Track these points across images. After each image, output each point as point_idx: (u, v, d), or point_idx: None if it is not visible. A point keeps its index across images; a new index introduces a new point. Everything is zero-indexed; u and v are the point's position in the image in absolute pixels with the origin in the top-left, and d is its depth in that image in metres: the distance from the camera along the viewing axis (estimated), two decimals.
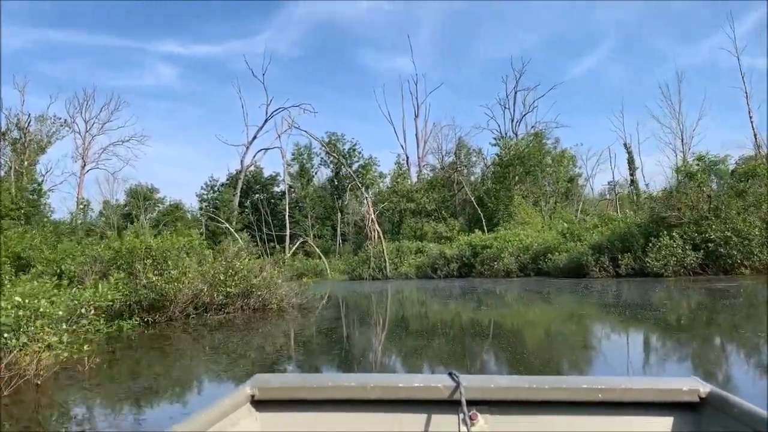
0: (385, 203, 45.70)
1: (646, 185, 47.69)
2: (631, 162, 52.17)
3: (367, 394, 2.14)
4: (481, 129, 49.60)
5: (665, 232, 20.80)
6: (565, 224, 29.55)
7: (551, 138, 44.99)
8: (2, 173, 55.18)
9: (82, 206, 56.56)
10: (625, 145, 51.69)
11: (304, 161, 56.07)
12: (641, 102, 75.85)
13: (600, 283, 20.84)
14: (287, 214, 49.94)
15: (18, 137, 58.26)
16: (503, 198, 41.96)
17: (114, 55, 72.56)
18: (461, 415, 2.01)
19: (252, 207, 56.29)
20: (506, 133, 47.37)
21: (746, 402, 1.91)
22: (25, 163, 57.50)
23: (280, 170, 63.95)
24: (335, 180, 56.15)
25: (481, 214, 39.27)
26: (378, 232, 33.30)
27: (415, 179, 50.08)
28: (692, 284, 18.41)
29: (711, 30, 69.83)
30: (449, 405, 2.11)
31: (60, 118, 60.20)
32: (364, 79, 79.83)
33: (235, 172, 55.57)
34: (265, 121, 52.29)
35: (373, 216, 33.90)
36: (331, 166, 56.22)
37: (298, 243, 45.39)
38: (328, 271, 39.61)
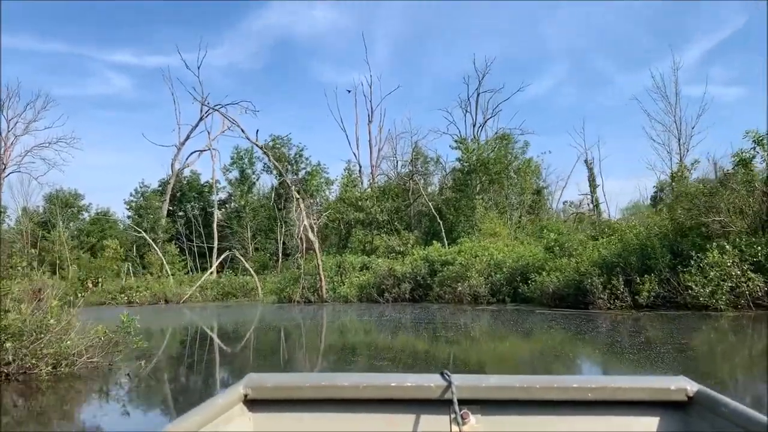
0: (329, 211, 37.91)
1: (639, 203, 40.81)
2: (592, 179, 45.98)
3: (359, 393, 2.04)
4: (440, 134, 42.24)
5: (712, 245, 13.52)
6: (553, 235, 21.98)
7: (519, 141, 37.74)
8: None
9: None
10: (586, 161, 45.32)
11: (245, 166, 47.86)
12: (602, 120, 69.98)
13: (611, 319, 13.43)
14: (215, 224, 41.77)
15: None
16: (464, 209, 34.57)
17: (63, 63, 63.64)
18: (453, 415, 1.93)
19: (186, 216, 47.89)
20: (468, 138, 40.10)
21: (734, 401, 1.81)
22: None
23: (217, 176, 55.97)
24: (280, 188, 48.07)
25: (441, 225, 31.70)
26: (313, 243, 25.38)
27: (367, 188, 42.37)
28: None
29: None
30: (441, 404, 2.01)
31: None
32: (319, 90, 72.40)
33: (166, 177, 47.08)
34: (200, 119, 44.06)
35: (306, 222, 25.99)
36: (275, 172, 48.15)
37: (223, 257, 37.19)
38: (260, 291, 31.56)
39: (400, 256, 28.44)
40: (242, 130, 27.95)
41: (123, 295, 33.03)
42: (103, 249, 42.87)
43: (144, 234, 38.46)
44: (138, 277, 39.09)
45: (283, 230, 44.40)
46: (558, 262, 17.95)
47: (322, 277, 24.56)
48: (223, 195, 50.72)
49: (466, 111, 43.00)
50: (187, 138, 45.15)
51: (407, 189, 39.29)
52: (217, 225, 47.06)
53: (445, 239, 28.57)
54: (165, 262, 36.77)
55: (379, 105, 47.03)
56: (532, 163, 38.67)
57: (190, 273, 40.77)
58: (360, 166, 45.38)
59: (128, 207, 48.49)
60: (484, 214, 32.04)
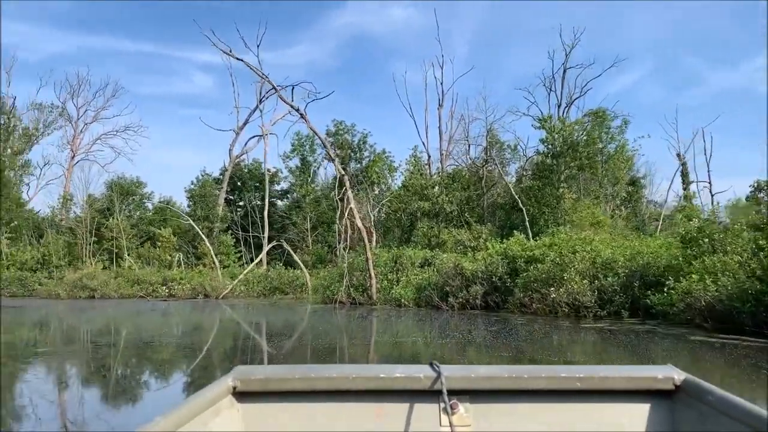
0: (388, 199, 32.30)
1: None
2: (685, 175, 38.29)
3: (348, 384, 1.95)
4: (519, 115, 35.65)
5: None
6: (695, 222, 15.08)
7: (617, 120, 30.58)
8: None
9: (64, 200, 44.76)
10: (678, 155, 37.66)
11: (306, 154, 42.84)
12: (691, 117, 60.91)
13: None
14: (266, 212, 36.97)
15: (2, 122, 47.20)
16: (548, 198, 28.08)
17: (150, 62, 62.75)
18: (442, 405, 1.89)
19: (246, 206, 43.40)
20: (552, 117, 33.31)
21: (720, 389, 1.77)
22: (9, 150, 46.16)
23: (275, 162, 51.64)
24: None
25: (525, 214, 25.36)
26: (362, 232, 19.72)
27: (434, 174, 36.37)
28: None
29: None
30: (430, 395, 1.95)
31: (58, 106, 48.98)
32: (391, 87, 67.68)
33: (224, 165, 42.70)
34: (259, 102, 39.35)
35: (353, 206, 20.36)
36: (337, 160, 42.92)
37: (270, 246, 32.26)
38: (309, 287, 26.41)
39: (470, 252, 22.44)
40: (280, 94, 22.51)
41: (164, 288, 28.67)
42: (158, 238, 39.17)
43: (191, 222, 34.04)
44: (190, 268, 35.01)
45: (345, 221, 39.24)
46: (707, 261, 11.44)
47: (372, 275, 18.85)
48: (285, 185, 46.17)
49: (550, 90, 36.20)
50: (246, 122, 40.62)
51: (480, 177, 33.11)
52: (278, 216, 42.57)
53: (529, 231, 22.30)
54: (213, 253, 32.16)
55: (451, 88, 41.02)
56: (626, 149, 31.64)
57: (245, 265, 36.35)
58: (429, 156, 39.49)
59: (188, 196, 44.52)
60: (573, 204, 25.55)
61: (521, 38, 57.37)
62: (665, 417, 1.91)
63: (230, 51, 20.37)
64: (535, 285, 14.68)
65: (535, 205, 28.35)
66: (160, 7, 58.16)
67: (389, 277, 19.88)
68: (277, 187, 45.92)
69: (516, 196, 27.55)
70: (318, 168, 43.64)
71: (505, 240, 19.67)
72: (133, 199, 45.89)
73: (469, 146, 37.08)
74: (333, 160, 22.88)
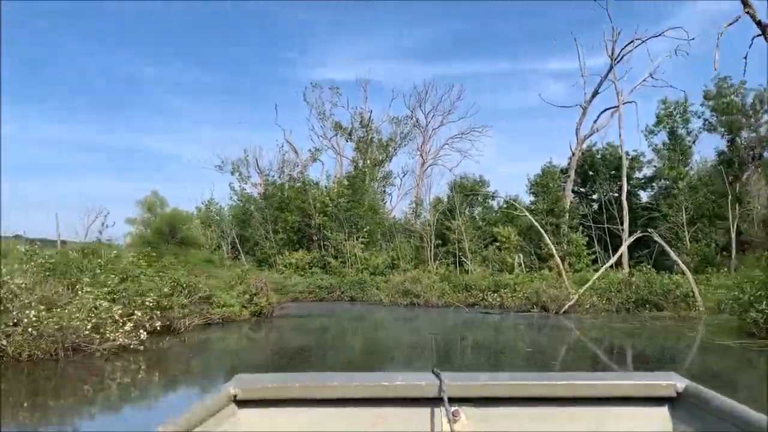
0: None
1: None
2: None
3: (350, 392, 1.89)
4: None
5: None
6: None
7: None
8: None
9: (415, 205, 43.63)
10: None
11: (676, 126, 31.94)
12: None
13: None
14: (624, 197, 27.74)
15: (362, 135, 49.17)
16: None
17: (504, 80, 61.76)
18: (444, 412, 1.80)
19: (601, 198, 34.51)
20: None
21: (722, 396, 1.68)
22: (368, 161, 47.59)
23: (633, 143, 41.17)
24: (731, 152, 30.56)
25: None
26: None
27: None
28: None
29: None
30: (432, 402, 1.87)
31: (413, 118, 49.09)
32: None
33: (572, 150, 34.54)
34: (610, 67, 30.48)
35: None
36: (723, 129, 30.78)
37: (630, 240, 23.14)
38: (699, 303, 17.12)
39: None
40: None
41: (495, 296, 22.50)
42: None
43: (528, 215, 27.26)
44: (534, 271, 28.39)
45: (738, 211, 27.39)
46: None
47: None
48: (648, 171, 35.65)
49: None
50: (595, 93, 31.98)
51: None
52: (640, 209, 32.77)
53: None
54: (556, 253, 24.68)
55: None
56: None
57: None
58: None
59: (528, 190, 37.70)
60: None
61: None
62: (667, 424, 1.84)
63: None
64: None
65: None
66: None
67: None
68: (638, 175, 35.78)
69: None
70: (694, 143, 32.15)
71: None
72: (476, 198, 41.66)
73: None
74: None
